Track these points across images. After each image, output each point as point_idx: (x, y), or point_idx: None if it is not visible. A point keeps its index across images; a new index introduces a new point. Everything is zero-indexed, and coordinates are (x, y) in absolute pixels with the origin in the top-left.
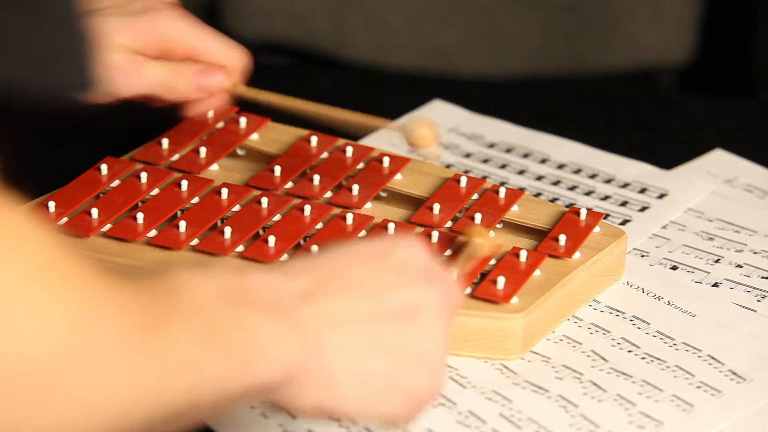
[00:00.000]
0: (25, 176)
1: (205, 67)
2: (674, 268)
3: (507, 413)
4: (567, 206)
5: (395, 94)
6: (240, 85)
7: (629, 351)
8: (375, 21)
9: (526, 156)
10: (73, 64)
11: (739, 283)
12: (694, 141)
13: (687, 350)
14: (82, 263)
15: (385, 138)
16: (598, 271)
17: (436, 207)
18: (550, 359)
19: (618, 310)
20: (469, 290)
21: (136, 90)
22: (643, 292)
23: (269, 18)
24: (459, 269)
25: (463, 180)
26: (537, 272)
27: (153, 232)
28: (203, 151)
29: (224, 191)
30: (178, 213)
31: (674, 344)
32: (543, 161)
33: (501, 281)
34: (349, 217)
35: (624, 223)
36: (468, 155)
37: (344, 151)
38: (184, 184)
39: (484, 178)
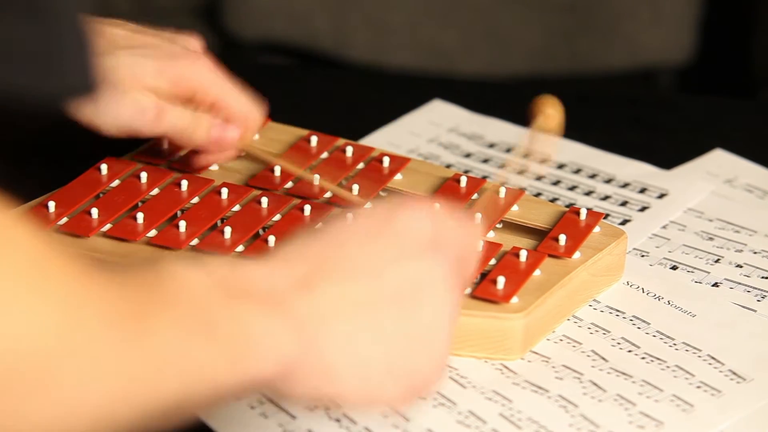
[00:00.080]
0: (24, 176)
1: (222, 122)
2: (674, 268)
3: (507, 413)
4: (567, 206)
5: (395, 94)
6: (250, 144)
7: (629, 351)
8: (375, 21)
9: (525, 156)
10: (73, 68)
11: (739, 283)
12: (694, 141)
13: (687, 350)
14: (69, 261)
15: (385, 138)
16: (598, 271)
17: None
18: (550, 359)
19: (618, 310)
20: (469, 290)
21: (153, 132)
22: (643, 292)
23: (269, 18)
24: (481, 220)
25: (463, 180)
26: (537, 272)
27: (153, 232)
28: (200, 152)
29: (224, 191)
30: (178, 213)
31: (674, 344)
32: (543, 161)
33: (501, 281)
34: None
35: (624, 223)
36: (468, 155)
37: (344, 151)
38: (184, 184)
39: (484, 178)
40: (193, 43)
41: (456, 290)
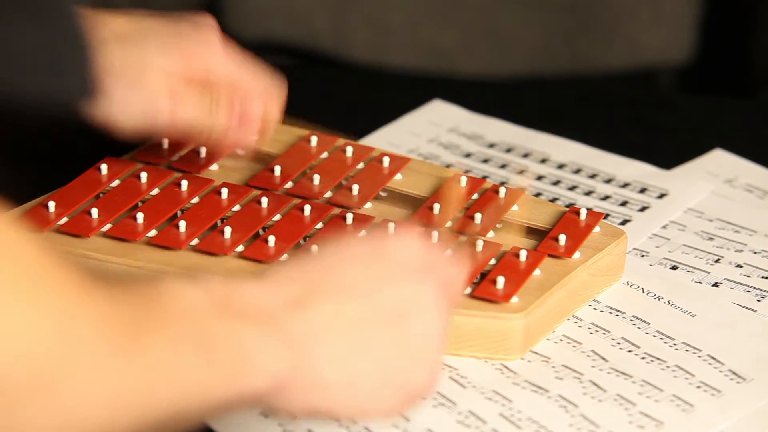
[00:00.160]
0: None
1: (242, 105)
2: (674, 268)
3: (507, 413)
4: (567, 206)
5: (395, 94)
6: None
7: (629, 351)
8: (375, 21)
9: (526, 156)
10: (73, 70)
11: (739, 283)
12: (694, 141)
13: (687, 350)
14: (67, 271)
15: (385, 138)
16: (598, 271)
17: (436, 207)
18: (550, 359)
19: (618, 310)
20: (468, 290)
21: (171, 123)
22: (643, 292)
23: (269, 18)
24: (464, 256)
25: (463, 180)
26: (537, 272)
27: (153, 232)
28: (203, 151)
29: (224, 191)
30: (178, 213)
31: (674, 344)
32: (543, 161)
33: (501, 281)
34: (349, 217)
35: (624, 223)
36: (468, 155)
37: (344, 151)
38: (184, 184)
39: (484, 178)
40: (205, 24)
41: (444, 311)
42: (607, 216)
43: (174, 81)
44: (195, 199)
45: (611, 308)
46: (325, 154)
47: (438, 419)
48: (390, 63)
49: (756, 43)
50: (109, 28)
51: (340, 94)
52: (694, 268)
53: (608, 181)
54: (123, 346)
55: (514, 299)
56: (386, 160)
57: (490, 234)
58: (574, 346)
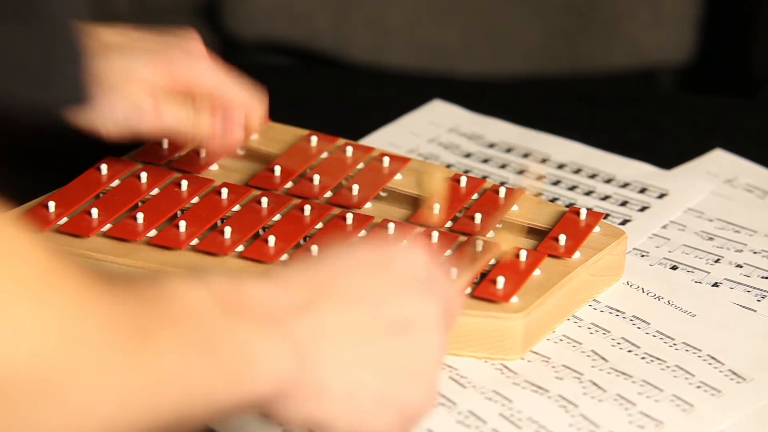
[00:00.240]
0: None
1: (224, 114)
2: (674, 268)
3: (507, 413)
4: (567, 206)
5: (395, 94)
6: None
7: (629, 351)
8: (375, 21)
9: (526, 156)
10: (66, 78)
11: (739, 283)
12: (694, 141)
13: (687, 350)
14: (72, 272)
15: (385, 138)
16: (598, 271)
17: (436, 207)
18: (550, 359)
19: (618, 310)
20: (469, 290)
21: (154, 130)
22: (643, 292)
23: (269, 18)
24: (463, 277)
25: (463, 180)
26: (537, 272)
27: (153, 232)
28: (203, 151)
29: (224, 191)
30: (178, 213)
31: (674, 344)
32: (543, 161)
33: (501, 281)
34: (349, 217)
35: (624, 223)
36: (468, 155)
37: (344, 151)
38: (184, 184)
39: (484, 178)
40: (189, 36)
41: (445, 331)
42: (607, 216)
43: (157, 90)
44: (195, 199)
45: (611, 308)
46: (325, 154)
47: (438, 419)
48: (390, 63)
49: (756, 42)
50: (97, 39)
51: (340, 94)
52: (694, 268)
53: (608, 181)
54: (129, 347)
55: (514, 299)
56: (386, 160)
57: (490, 234)
58: (574, 346)
